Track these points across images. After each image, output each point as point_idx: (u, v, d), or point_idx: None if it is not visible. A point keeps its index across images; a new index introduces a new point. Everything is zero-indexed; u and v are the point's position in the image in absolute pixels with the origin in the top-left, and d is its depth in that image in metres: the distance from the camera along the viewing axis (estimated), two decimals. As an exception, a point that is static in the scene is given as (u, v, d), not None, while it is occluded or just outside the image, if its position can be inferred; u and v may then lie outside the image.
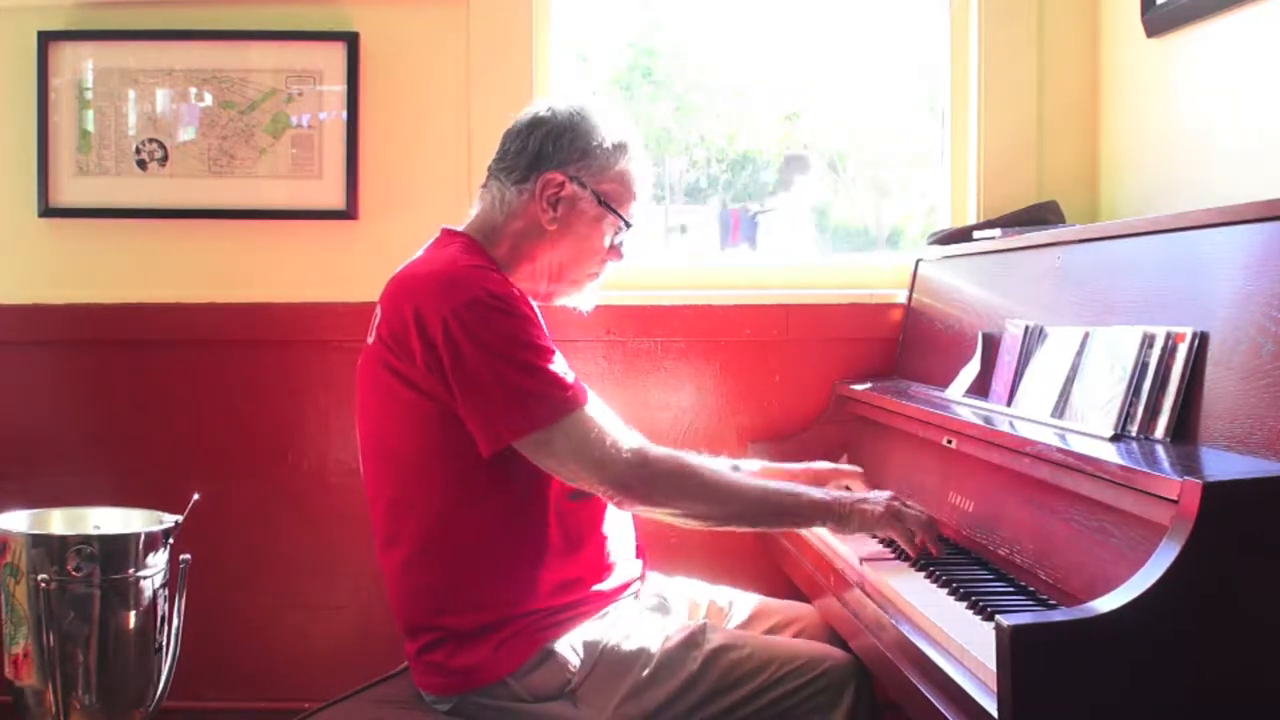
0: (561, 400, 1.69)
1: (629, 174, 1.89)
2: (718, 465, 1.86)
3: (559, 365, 1.72)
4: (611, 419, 1.76)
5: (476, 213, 1.90)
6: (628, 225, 1.90)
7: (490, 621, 1.73)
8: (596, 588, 1.82)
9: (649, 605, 1.90)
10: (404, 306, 1.72)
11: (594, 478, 1.70)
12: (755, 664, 1.76)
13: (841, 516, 1.80)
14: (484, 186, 1.90)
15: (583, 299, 1.96)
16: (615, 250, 1.92)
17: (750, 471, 2.11)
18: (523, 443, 1.68)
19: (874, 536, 1.92)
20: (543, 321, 1.86)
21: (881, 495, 1.84)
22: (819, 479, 2.10)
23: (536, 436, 1.68)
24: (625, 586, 1.88)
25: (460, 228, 1.89)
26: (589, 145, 1.85)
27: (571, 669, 1.73)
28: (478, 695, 1.73)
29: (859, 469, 2.18)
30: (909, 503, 1.85)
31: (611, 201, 1.86)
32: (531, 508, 1.76)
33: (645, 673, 1.73)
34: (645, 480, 1.72)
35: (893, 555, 1.86)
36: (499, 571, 1.74)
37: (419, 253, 1.88)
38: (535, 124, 1.87)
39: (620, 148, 1.88)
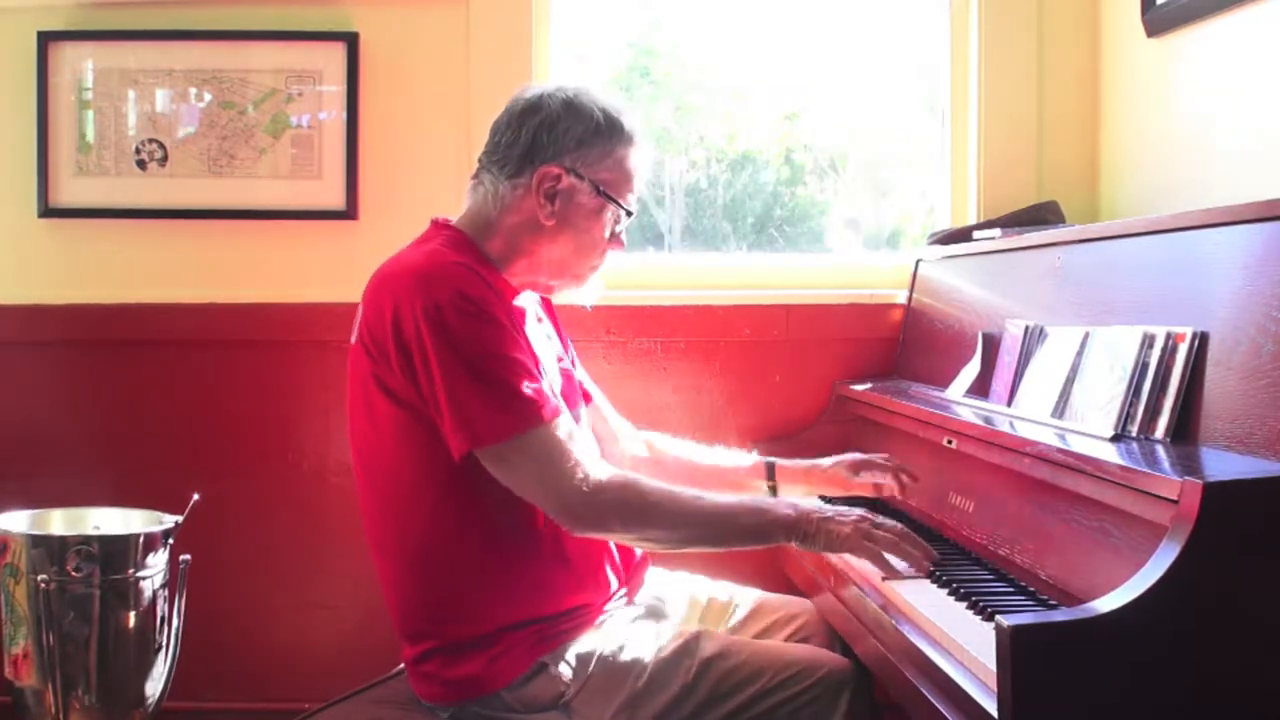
0: (522, 416, 1.62)
1: (628, 159, 1.81)
2: (679, 488, 1.74)
3: (526, 378, 1.65)
4: (578, 439, 1.69)
5: (469, 206, 1.83)
6: (628, 214, 1.83)
7: (484, 634, 1.71)
8: (591, 600, 1.79)
9: (644, 610, 1.89)
10: (383, 305, 1.68)
11: (545, 502, 1.66)
12: (749, 672, 1.73)
13: (807, 535, 1.72)
14: (475, 178, 1.84)
15: (585, 293, 1.89)
16: (616, 239, 1.84)
17: (770, 466, 2.12)
18: (481, 454, 1.64)
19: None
20: (545, 326, 1.83)
21: (852, 514, 1.75)
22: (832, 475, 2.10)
23: (493, 450, 1.63)
24: (626, 596, 1.86)
25: (453, 220, 1.84)
26: (584, 134, 1.77)
27: (565, 681, 1.71)
28: (474, 705, 1.72)
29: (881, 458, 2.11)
30: (881, 521, 1.75)
31: (610, 190, 1.79)
32: (522, 520, 1.72)
33: (640, 684, 1.70)
34: (595, 509, 1.65)
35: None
36: (492, 585, 1.72)
37: (405, 245, 1.84)
38: (527, 113, 1.78)
39: (617, 133, 1.79)
